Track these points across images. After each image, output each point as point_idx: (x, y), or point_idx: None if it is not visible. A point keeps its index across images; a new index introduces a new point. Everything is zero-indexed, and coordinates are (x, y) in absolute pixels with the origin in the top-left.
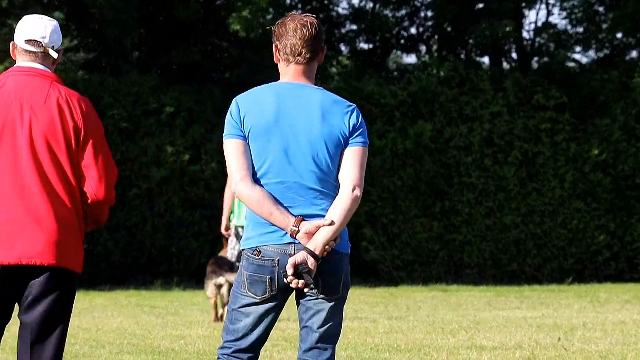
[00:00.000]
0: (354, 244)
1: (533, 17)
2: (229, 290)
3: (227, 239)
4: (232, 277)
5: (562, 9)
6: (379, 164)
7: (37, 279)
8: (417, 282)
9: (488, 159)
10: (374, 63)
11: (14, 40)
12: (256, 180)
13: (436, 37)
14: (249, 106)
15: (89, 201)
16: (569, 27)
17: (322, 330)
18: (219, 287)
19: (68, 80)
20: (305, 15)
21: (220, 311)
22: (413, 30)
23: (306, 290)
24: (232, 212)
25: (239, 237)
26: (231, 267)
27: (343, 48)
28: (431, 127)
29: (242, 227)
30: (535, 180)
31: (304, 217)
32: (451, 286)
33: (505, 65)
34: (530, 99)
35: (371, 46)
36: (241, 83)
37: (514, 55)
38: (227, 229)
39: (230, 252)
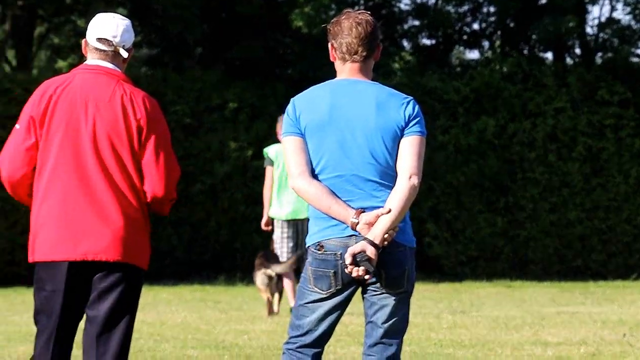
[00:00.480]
0: (417, 239)
1: (596, 12)
2: (277, 281)
3: (273, 238)
4: (278, 268)
5: (626, 4)
6: (442, 159)
7: (102, 274)
8: (481, 278)
9: (552, 155)
10: (436, 58)
11: (86, 38)
12: (315, 176)
13: (499, 32)
14: (304, 104)
15: (148, 199)
16: (633, 22)
17: (386, 325)
18: (270, 278)
19: (131, 76)
20: (360, 12)
21: (275, 304)
22: (475, 26)
23: (366, 277)
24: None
25: (282, 230)
26: (278, 259)
27: (405, 44)
28: (494, 123)
29: (285, 221)
30: (599, 176)
31: (364, 210)
32: (515, 282)
33: (569, 61)
34: (594, 95)
35: (433, 42)
36: (303, 78)
37: (577, 51)
38: (267, 224)
39: (278, 249)
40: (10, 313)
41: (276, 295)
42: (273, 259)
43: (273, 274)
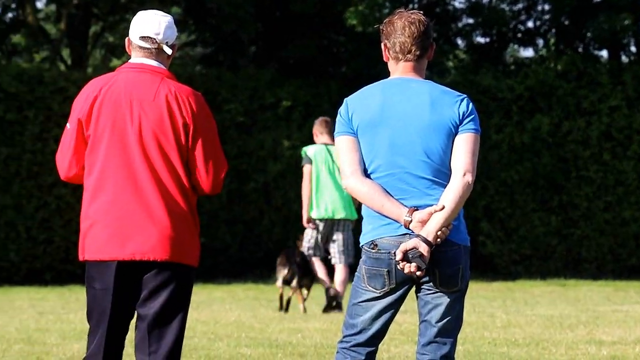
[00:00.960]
0: (471, 237)
1: None
2: (297, 282)
3: (302, 234)
4: (296, 271)
5: None
6: (495, 157)
7: (152, 274)
8: (535, 276)
9: (606, 153)
10: (490, 56)
11: (128, 37)
12: (367, 175)
13: (553, 30)
14: (356, 104)
15: (197, 194)
16: None
17: (440, 324)
18: (285, 280)
19: (185, 74)
20: (412, 12)
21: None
22: (530, 24)
23: (418, 273)
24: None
25: (317, 229)
26: (299, 260)
27: (459, 42)
28: (548, 121)
29: (320, 220)
30: None
31: (417, 208)
32: (569, 280)
33: (624, 59)
34: None
35: (487, 40)
36: (357, 77)
37: (633, 49)
38: (309, 221)
39: (305, 244)
40: (65, 311)
41: (304, 292)
42: (294, 257)
43: (287, 274)
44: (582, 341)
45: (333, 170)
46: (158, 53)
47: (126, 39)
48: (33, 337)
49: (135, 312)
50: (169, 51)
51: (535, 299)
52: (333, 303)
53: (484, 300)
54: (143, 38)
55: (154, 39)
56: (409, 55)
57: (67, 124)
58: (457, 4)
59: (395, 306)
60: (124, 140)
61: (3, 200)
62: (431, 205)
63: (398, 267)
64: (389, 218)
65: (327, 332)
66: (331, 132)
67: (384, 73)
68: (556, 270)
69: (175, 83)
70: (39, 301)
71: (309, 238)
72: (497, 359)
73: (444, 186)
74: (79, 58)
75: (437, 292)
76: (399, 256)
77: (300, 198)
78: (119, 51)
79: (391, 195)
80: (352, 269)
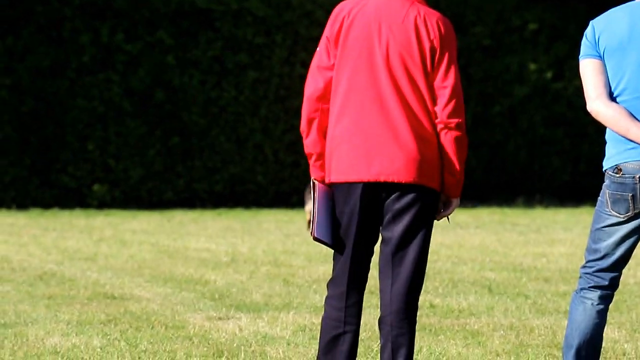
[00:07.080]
0: None
1: None
2: None
3: None
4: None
5: None
6: None
7: (396, 196)
8: None
9: None
10: None
11: None
12: (613, 98)
13: None
14: (603, 26)
15: (437, 122)
16: None
17: None
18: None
19: None
20: None
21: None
22: None
23: None
24: None
25: None
26: None
27: None
28: None
29: None
30: None
31: None
32: None
33: None
34: None
35: None
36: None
37: None
38: None
39: None
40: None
41: None
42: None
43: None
44: None
45: None
46: None
47: None
48: (279, 259)
49: (380, 236)
50: None
51: None
52: None
53: None
54: None
55: None
56: None
57: (317, 47)
58: None
59: (639, 232)
60: (371, 61)
61: (251, 123)
62: None
63: None
64: (634, 142)
65: (572, 256)
66: None
67: None
68: None
69: (425, 7)
70: (286, 223)
71: None
72: None
73: None
74: None
75: None
76: None
77: (547, 121)
78: None
79: (637, 119)
80: None
